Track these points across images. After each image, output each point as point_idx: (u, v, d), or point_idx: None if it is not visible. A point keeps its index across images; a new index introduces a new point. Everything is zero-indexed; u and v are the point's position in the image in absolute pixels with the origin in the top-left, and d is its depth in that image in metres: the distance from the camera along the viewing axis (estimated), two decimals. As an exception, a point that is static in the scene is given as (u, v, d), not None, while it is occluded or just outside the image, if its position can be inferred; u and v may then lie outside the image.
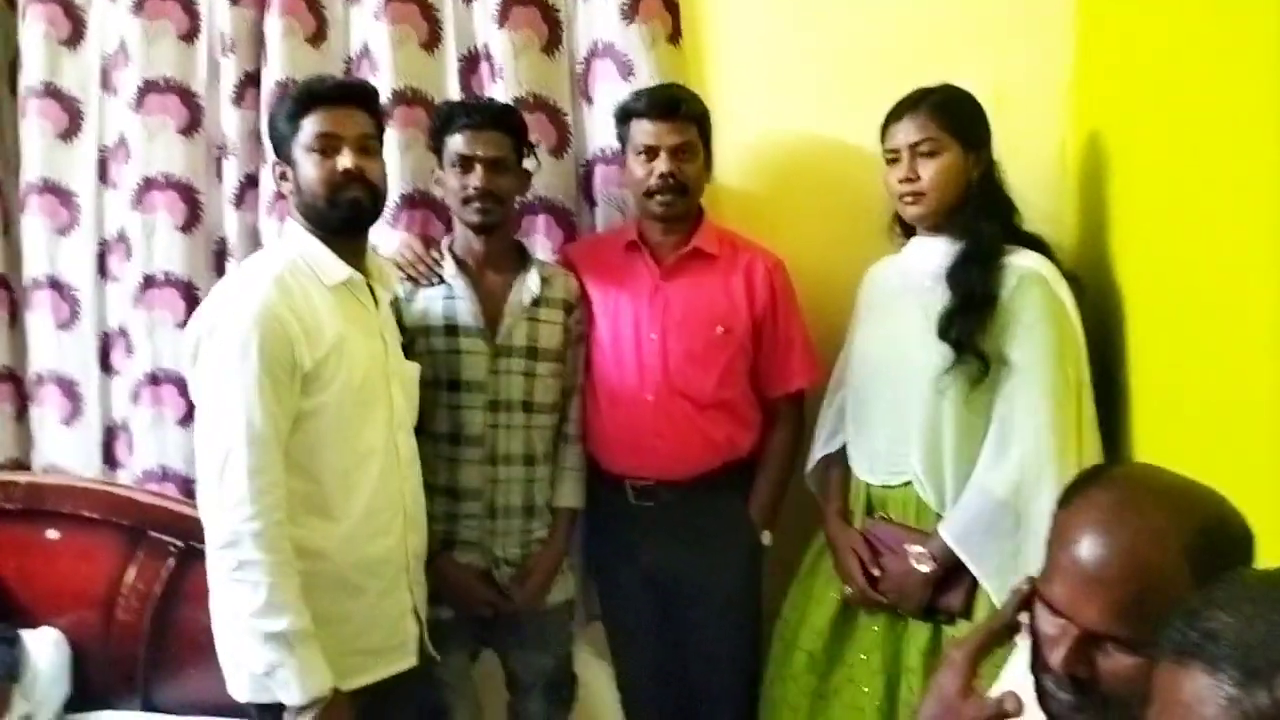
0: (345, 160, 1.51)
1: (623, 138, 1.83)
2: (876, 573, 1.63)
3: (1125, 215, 1.59)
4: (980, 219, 1.59)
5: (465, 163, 1.73)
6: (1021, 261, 1.56)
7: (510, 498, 1.80)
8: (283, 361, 1.43)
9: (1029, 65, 1.83)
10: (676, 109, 1.75)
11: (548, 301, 1.82)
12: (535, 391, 1.80)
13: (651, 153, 1.77)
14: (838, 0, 1.91)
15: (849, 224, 1.82)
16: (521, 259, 1.85)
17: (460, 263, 1.81)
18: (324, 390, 1.47)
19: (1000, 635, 0.98)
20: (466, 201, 1.74)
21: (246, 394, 1.40)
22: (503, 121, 1.75)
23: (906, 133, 1.60)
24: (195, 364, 1.48)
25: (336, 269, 1.53)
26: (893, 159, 1.63)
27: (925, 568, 1.57)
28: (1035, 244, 1.61)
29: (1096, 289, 1.66)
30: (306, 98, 1.53)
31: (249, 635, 1.42)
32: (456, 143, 1.74)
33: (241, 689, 1.50)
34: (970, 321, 1.53)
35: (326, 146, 1.51)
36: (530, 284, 1.79)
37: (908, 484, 1.63)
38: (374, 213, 1.58)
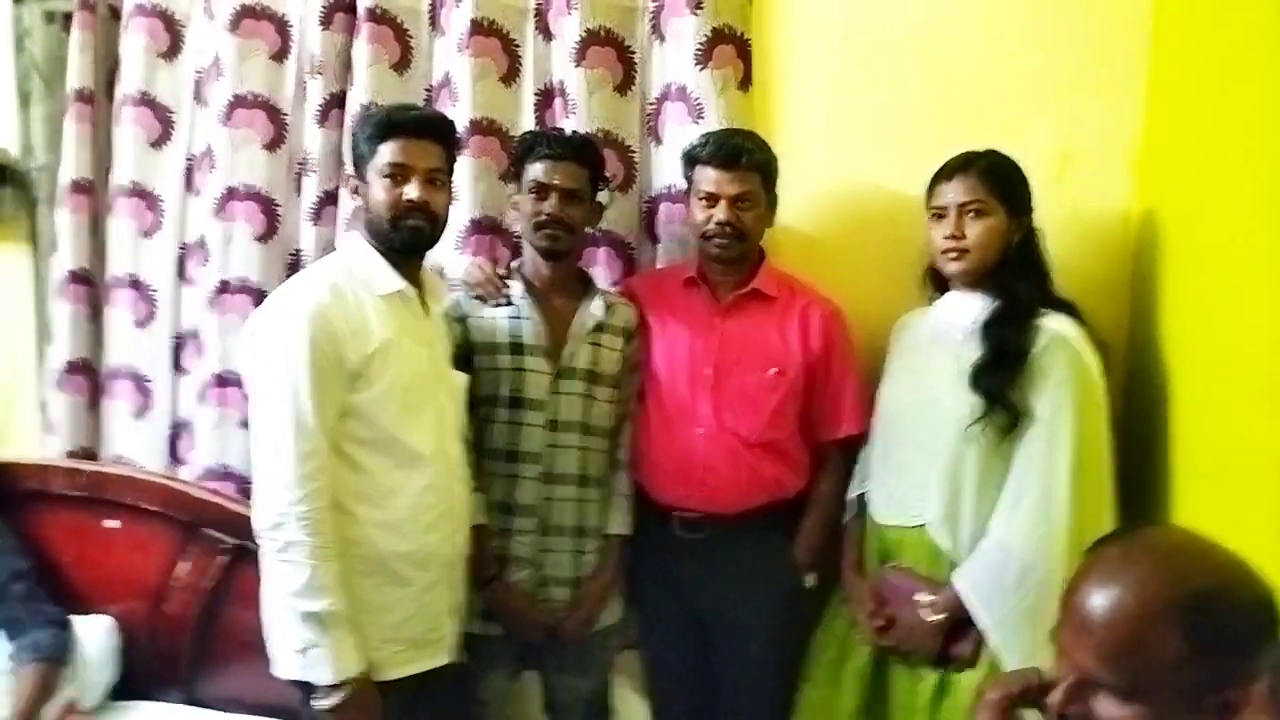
0: (412, 191, 1.58)
1: (688, 179, 1.87)
2: (880, 623, 1.67)
3: (1179, 290, 1.61)
4: (1018, 280, 1.63)
5: (541, 190, 1.79)
6: (1053, 324, 1.60)
7: (563, 517, 1.83)
8: (329, 357, 1.50)
9: (1096, 130, 1.85)
10: (739, 159, 1.78)
11: (609, 328, 1.86)
12: (592, 414, 1.84)
13: (712, 200, 1.80)
14: (908, 56, 1.95)
15: (906, 273, 1.84)
16: (585, 286, 1.90)
17: (528, 285, 1.86)
18: (370, 386, 1.54)
19: (1037, 690, 0.99)
20: (538, 227, 1.80)
21: (295, 385, 1.48)
22: (581, 154, 1.81)
23: (956, 192, 1.65)
24: (250, 357, 1.57)
25: (389, 280, 1.60)
26: (938, 215, 1.68)
27: (935, 618, 1.59)
28: (1068, 309, 1.64)
29: (1142, 360, 1.67)
30: (387, 125, 1.60)
31: (289, 613, 1.49)
32: (535, 170, 1.80)
33: (281, 665, 1.54)
34: (1001, 375, 1.57)
35: (397, 175, 1.59)
36: (594, 310, 1.84)
37: (921, 527, 1.65)
38: (432, 239, 1.66)
